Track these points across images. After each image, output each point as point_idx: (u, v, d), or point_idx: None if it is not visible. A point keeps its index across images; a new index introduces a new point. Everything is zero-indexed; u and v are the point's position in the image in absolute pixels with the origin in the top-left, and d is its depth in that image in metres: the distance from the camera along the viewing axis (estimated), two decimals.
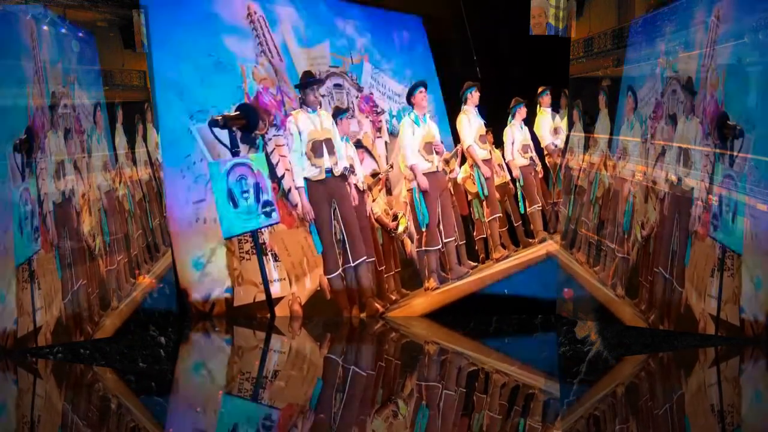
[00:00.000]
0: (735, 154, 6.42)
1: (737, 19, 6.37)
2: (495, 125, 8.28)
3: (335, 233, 7.83)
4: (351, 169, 7.86)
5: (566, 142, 7.97)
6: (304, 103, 7.78)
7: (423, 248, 8.03)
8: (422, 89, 7.98)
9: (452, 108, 8.18)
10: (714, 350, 6.62)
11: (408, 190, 8.06)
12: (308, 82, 7.76)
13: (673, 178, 6.93)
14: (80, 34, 7.22)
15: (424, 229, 7.99)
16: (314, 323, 7.83)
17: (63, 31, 7.05)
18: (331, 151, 7.74)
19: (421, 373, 6.63)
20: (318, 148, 7.70)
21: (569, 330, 7.31)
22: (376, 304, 7.90)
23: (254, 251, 7.89)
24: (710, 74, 6.53)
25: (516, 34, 7.69)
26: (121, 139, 7.62)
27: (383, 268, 8.04)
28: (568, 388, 5.95)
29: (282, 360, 7.26)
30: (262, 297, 7.91)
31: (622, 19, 7.26)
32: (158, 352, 6.94)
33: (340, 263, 7.82)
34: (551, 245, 8.04)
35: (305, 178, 7.73)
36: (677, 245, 6.84)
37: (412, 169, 7.96)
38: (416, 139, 7.94)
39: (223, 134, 7.86)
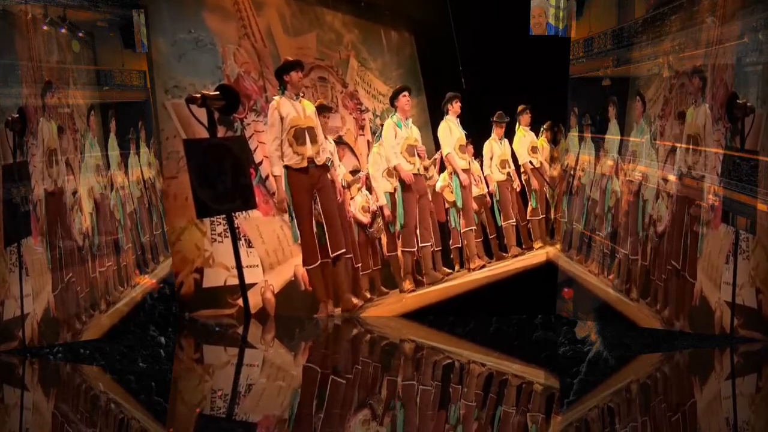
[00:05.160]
0: (743, 156, 6.39)
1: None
2: (477, 137, 8.13)
3: (315, 224, 7.42)
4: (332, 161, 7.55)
5: (576, 157, 7.86)
6: (287, 85, 7.36)
7: (397, 251, 7.76)
8: (406, 93, 7.80)
9: (436, 115, 8.02)
10: (729, 350, 6.45)
11: (386, 193, 7.79)
12: (291, 64, 7.40)
13: (681, 175, 6.86)
14: (80, 34, 7.03)
15: (397, 230, 7.71)
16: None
17: (62, 31, 6.85)
18: (314, 140, 7.37)
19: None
20: (300, 135, 7.32)
21: (569, 330, 7.04)
22: (353, 300, 7.52)
23: (227, 234, 7.38)
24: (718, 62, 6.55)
25: (503, 45, 7.61)
26: (114, 147, 7.36)
27: (360, 265, 7.67)
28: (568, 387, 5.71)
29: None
30: (232, 281, 7.45)
31: (622, 19, 7.31)
32: (158, 352, 6.64)
33: (320, 255, 7.39)
34: (551, 250, 7.84)
35: (285, 166, 7.32)
36: (690, 239, 6.68)
37: (396, 168, 7.71)
38: (398, 141, 7.73)
39: (201, 113, 7.46)
